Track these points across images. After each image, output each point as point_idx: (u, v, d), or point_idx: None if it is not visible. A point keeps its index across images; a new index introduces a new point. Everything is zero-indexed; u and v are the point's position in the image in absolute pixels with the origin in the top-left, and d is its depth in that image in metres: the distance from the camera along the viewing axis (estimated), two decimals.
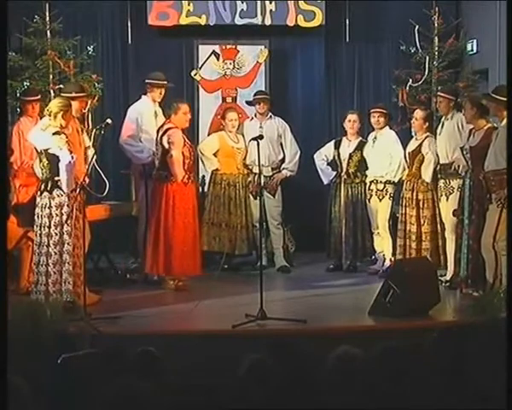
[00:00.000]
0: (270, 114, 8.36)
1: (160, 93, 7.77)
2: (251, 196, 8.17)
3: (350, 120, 8.14)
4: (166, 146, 7.15)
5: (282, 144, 8.37)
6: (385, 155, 7.93)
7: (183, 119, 7.27)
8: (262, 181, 7.95)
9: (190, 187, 7.26)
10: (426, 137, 7.53)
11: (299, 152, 8.34)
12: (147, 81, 7.80)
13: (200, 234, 7.45)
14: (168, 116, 7.30)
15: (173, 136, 7.15)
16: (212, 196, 8.11)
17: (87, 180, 6.55)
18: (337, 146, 8.22)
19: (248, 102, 8.57)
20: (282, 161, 8.37)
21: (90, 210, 6.90)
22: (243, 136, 8.26)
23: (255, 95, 8.43)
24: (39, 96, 7.82)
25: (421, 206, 7.49)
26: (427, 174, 7.44)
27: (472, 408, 3.47)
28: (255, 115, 8.40)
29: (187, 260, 7.17)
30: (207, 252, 8.00)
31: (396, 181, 7.90)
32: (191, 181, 7.27)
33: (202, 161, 8.29)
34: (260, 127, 8.23)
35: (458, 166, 7.08)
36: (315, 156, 8.27)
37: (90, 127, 7.44)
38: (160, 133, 7.23)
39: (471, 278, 6.85)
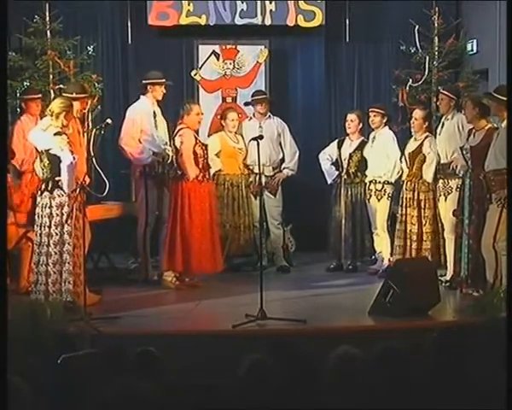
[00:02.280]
0: (269, 113, 8.37)
1: (162, 91, 7.78)
2: (252, 196, 8.18)
3: (348, 120, 8.15)
4: (178, 146, 7.23)
5: (280, 144, 8.38)
6: (383, 155, 7.93)
7: (195, 119, 7.35)
8: (263, 181, 8.00)
9: (206, 185, 7.32)
10: (426, 137, 7.54)
11: (298, 151, 8.35)
12: (147, 82, 7.76)
13: (219, 231, 7.48)
14: (181, 117, 7.34)
15: (183, 135, 7.25)
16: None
17: (87, 180, 6.55)
18: (339, 146, 8.23)
19: (247, 104, 8.56)
20: (282, 160, 8.38)
21: (90, 210, 6.90)
22: (242, 136, 8.27)
23: (254, 95, 8.43)
24: (41, 95, 7.84)
25: (422, 206, 7.50)
26: (428, 174, 7.44)
27: (472, 408, 3.47)
28: (254, 115, 8.40)
29: (205, 257, 7.21)
30: None
31: (393, 181, 7.90)
32: (207, 179, 7.32)
33: None
34: (260, 127, 8.24)
35: (456, 166, 7.09)
36: (319, 156, 8.27)
37: (90, 127, 7.44)
38: (173, 135, 7.34)
39: (471, 278, 6.85)
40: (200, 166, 7.27)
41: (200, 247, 7.19)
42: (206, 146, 7.45)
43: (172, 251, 7.20)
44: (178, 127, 7.33)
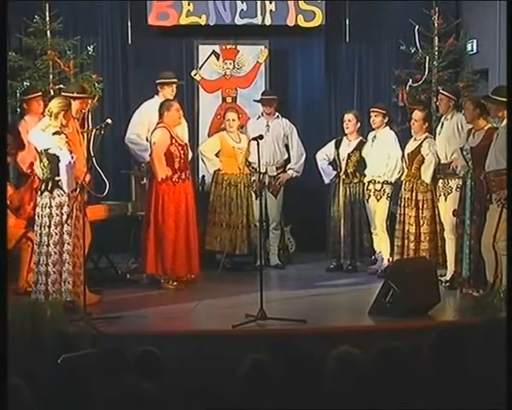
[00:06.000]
0: (278, 114, 8.41)
1: (172, 91, 7.84)
2: (253, 196, 8.18)
3: (345, 120, 8.15)
4: (151, 146, 7.22)
5: (287, 145, 8.40)
6: (383, 154, 7.93)
7: (176, 115, 7.31)
8: (266, 180, 8.03)
9: (182, 186, 7.21)
10: (425, 138, 7.53)
11: (304, 154, 8.39)
12: (157, 81, 7.92)
13: (198, 233, 7.43)
14: (161, 116, 7.29)
15: (156, 135, 7.19)
16: (213, 196, 8.14)
17: (87, 179, 6.53)
18: (337, 146, 8.23)
19: (256, 100, 8.57)
20: (287, 161, 8.40)
21: (90, 210, 6.90)
22: (247, 135, 8.27)
23: (263, 94, 8.49)
24: (41, 93, 7.84)
25: (420, 206, 7.49)
26: (427, 175, 7.44)
27: (472, 408, 3.47)
28: (262, 114, 8.43)
29: (180, 260, 7.16)
30: (209, 251, 8.04)
31: (393, 181, 7.90)
32: (182, 180, 7.22)
33: (204, 162, 8.32)
34: (267, 126, 8.28)
35: (457, 167, 7.09)
36: (317, 156, 8.28)
37: (90, 127, 7.45)
38: (150, 134, 7.34)
39: (473, 279, 6.84)
40: (176, 166, 7.17)
41: (174, 249, 7.12)
42: (183, 146, 7.32)
43: (147, 253, 7.15)
44: (156, 126, 7.27)
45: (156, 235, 7.12)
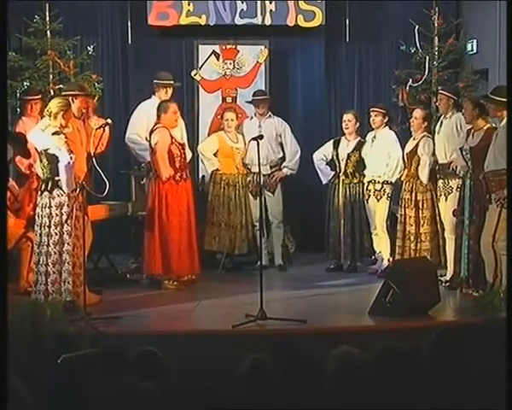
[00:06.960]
0: (270, 113, 8.39)
1: (166, 92, 7.86)
2: (250, 196, 8.19)
3: (345, 120, 8.15)
4: (153, 145, 7.21)
5: (281, 144, 8.40)
6: (383, 154, 7.93)
7: (172, 118, 7.32)
8: (261, 180, 8.02)
9: (184, 185, 7.25)
10: (422, 138, 7.53)
11: (299, 151, 8.37)
12: (154, 82, 7.94)
13: (197, 233, 7.44)
14: (158, 117, 7.31)
15: (157, 135, 7.20)
16: (211, 196, 8.14)
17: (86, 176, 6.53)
18: (336, 146, 8.22)
19: (249, 102, 8.58)
20: (282, 160, 8.40)
21: (91, 210, 6.90)
22: (243, 135, 8.28)
23: (254, 95, 8.46)
24: (40, 96, 7.85)
25: (420, 206, 7.49)
26: (423, 175, 7.45)
27: (472, 408, 3.47)
28: (255, 115, 8.43)
29: (184, 259, 7.18)
30: (209, 252, 8.03)
31: (393, 181, 7.90)
32: (184, 179, 7.26)
33: (203, 162, 8.33)
34: (259, 126, 8.27)
35: (456, 167, 7.09)
36: (314, 156, 8.27)
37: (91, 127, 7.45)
38: (149, 134, 7.33)
39: (472, 279, 6.85)
40: (177, 165, 7.21)
41: (179, 249, 7.14)
42: (182, 145, 7.36)
43: (151, 254, 7.15)
44: (155, 127, 7.29)
45: (161, 235, 7.12)
